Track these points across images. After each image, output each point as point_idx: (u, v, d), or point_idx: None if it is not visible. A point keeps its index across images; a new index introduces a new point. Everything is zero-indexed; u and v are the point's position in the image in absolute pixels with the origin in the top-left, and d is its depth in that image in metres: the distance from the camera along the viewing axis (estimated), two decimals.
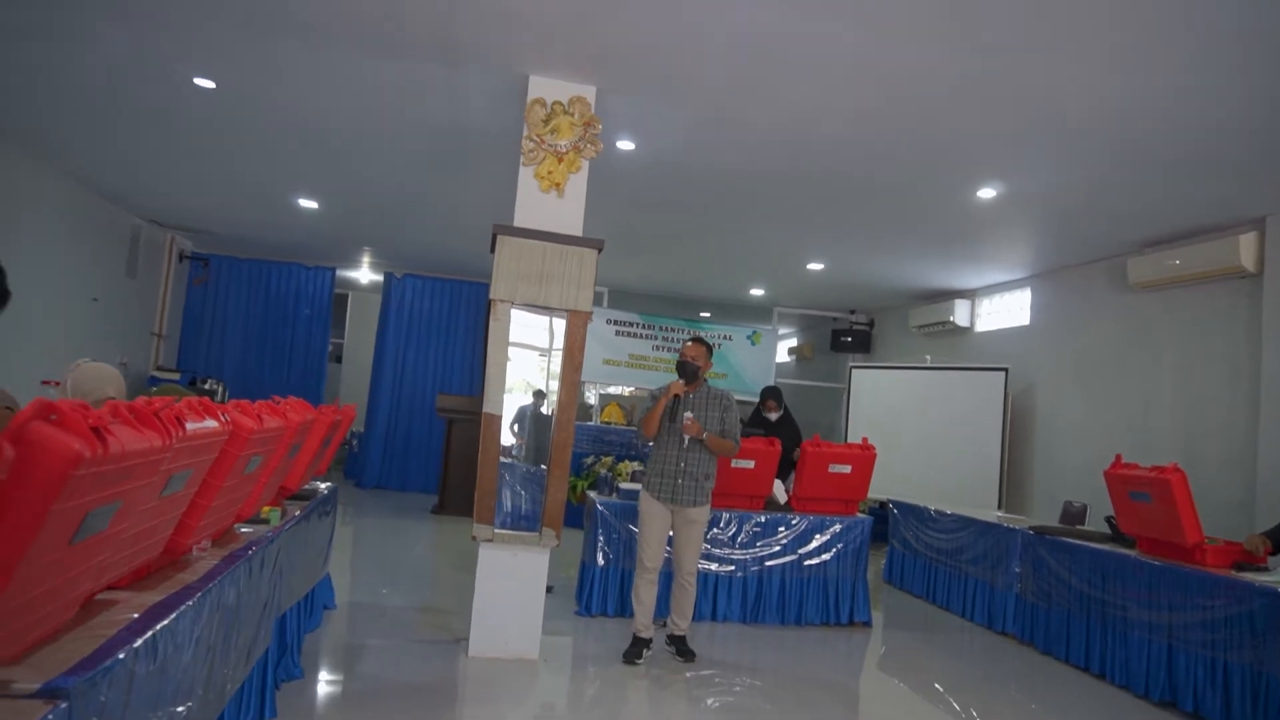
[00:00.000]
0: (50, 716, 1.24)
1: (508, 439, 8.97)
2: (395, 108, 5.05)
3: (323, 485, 4.42)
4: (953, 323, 9.22)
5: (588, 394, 11.35)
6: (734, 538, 5.46)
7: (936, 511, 6.65)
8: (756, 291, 10.67)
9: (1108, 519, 5.17)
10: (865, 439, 5.81)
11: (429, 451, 10.69)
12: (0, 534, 1.08)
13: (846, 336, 11.18)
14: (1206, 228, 6.06)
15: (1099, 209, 5.90)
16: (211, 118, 5.53)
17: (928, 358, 9.63)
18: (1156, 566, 4.47)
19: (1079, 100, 4.13)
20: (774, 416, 6.71)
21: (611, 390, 11.38)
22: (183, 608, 1.84)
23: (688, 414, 4.37)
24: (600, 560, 5.26)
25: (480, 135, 5.34)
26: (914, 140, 4.88)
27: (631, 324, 10.49)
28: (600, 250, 4.33)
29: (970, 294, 9.29)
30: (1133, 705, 4.38)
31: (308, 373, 10.94)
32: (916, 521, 6.89)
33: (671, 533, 4.52)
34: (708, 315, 11.72)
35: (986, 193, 5.68)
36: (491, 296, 4.22)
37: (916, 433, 8.88)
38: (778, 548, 5.53)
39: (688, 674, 4.31)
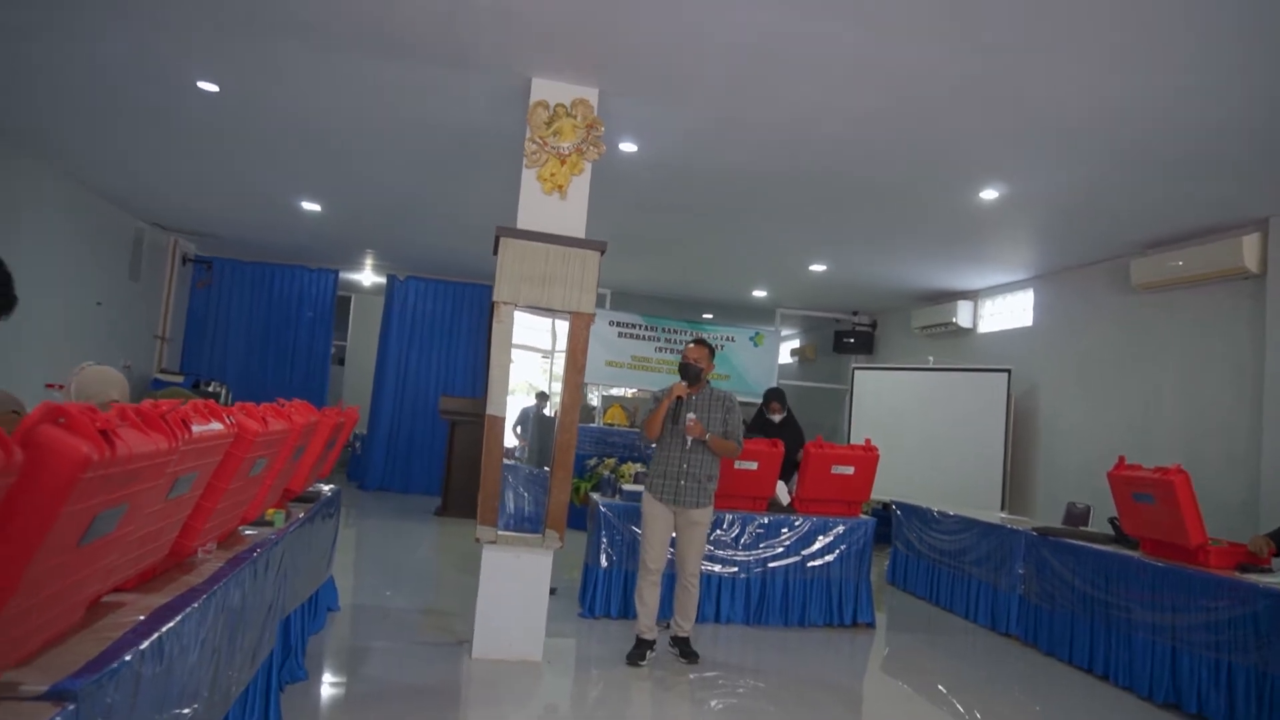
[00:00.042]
0: (58, 718, 1.24)
1: (511, 441, 8.99)
2: (398, 110, 5.07)
3: (326, 487, 4.43)
4: (955, 324, 9.22)
5: (590, 396, 11.36)
6: (737, 539, 5.47)
7: (939, 513, 6.64)
8: (759, 293, 10.67)
9: (1111, 520, 5.16)
10: (868, 440, 5.82)
11: (432, 453, 10.70)
12: (9, 536, 1.09)
13: (849, 338, 11.18)
14: (1209, 229, 6.05)
15: (1101, 210, 5.90)
16: (214, 120, 5.55)
17: (930, 359, 9.62)
18: (1160, 568, 4.47)
19: (1080, 100, 4.13)
20: (778, 418, 6.71)
21: (614, 392, 11.38)
22: (188, 610, 1.84)
23: (690, 415, 4.37)
24: (603, 562, 5.26)
25: (483, 137, 5.35)
26: (915, 141, 4.88)
27: (634, 325, 10.50)
28: (603, 252, 4.34)
29: (973, 295, 9.29)
30: (1136, 707, 4.37)
31: (311, 375, 10.96)
32: (919, 523, 6.89)
33: (674, 534, 4.52)
34: (710, 317, 11.73)
35: (989, 194, 5.68)
36: (495, 298, 4.23)
37: (919, 434, 8.87)
38: (781, 549, 5.53)
39: (691, 675, 4.31)
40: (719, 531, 5.41)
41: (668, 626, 4.65)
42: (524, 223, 4.32)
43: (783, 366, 11.85)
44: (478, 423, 7.87)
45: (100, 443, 1.20)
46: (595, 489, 6.35)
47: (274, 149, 6.14)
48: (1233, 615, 4.00)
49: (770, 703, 4.02)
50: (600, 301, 10.51)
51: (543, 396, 10.02)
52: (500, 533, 4.24)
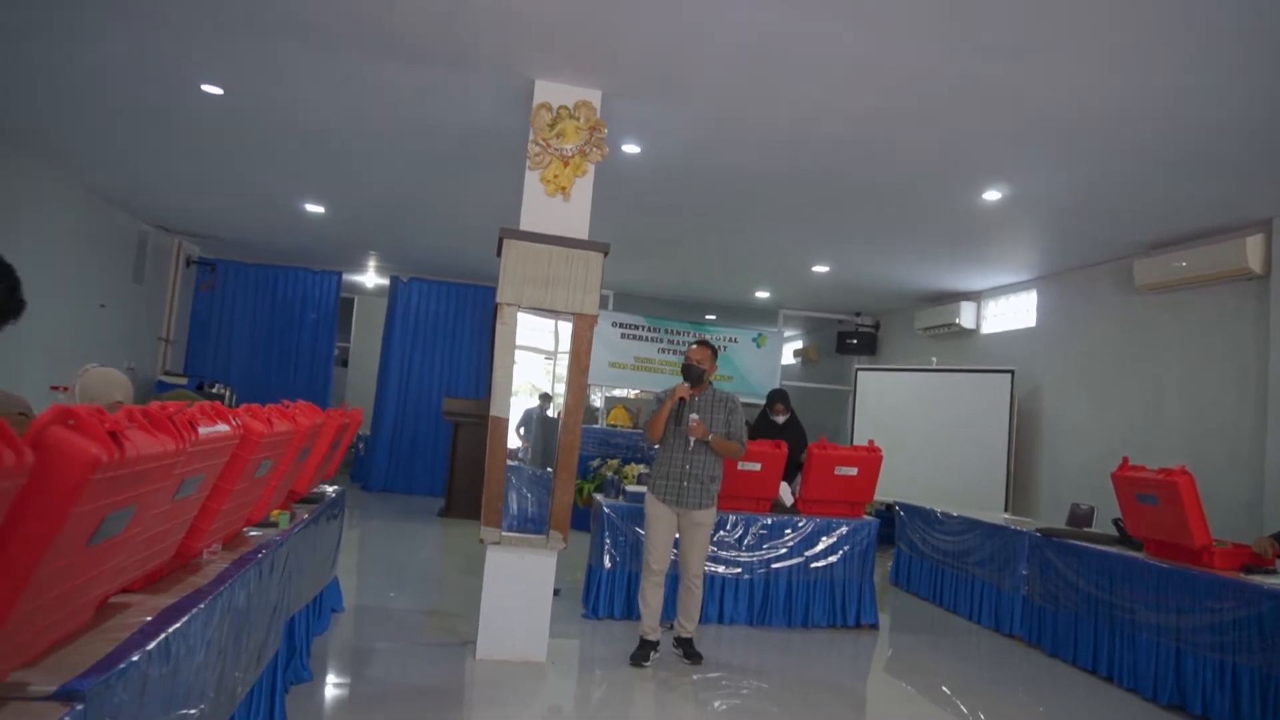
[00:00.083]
0: (67, 718, 1.25)
1: (514, 442, 8.99)
2: (401, 112, 5.08)
3: (330, 489, 4.44)
4: (958, 325, 9.21)
5: (593, 397, 11.37)
6: (740, 540, 5.47)
7: (943, 514, 6.64)
8: (762, 294, 10.68)
9: (1115, 521, 5.16)
10: (871, 441, 5.82)
11: (435, 454, 10.72)
12: (19, 537, 1.10)
13: (852, 339, 11.18)
14: (1212, 230, 6.05)
15: (1103, 211, 5.90)
16: (218, 123, 5.57)
17: (933, 360, 9.62)
18: (1164, 569, 4.46)
19: (1080, 101, 4.14)
20: (781, 419, 6.72)
21: (617, 393, 11.39)
22: (195, 610, 1.85)
23: (693, 416, 4.38)
24: (607, 563, 5.26)
25: (486, 139, 5.36)
26: (916, 141, 4.89)
27: (637, 327, 10.51)
28: (606, 253, 4.35)
29: (976, 296, 9.28)
30: (1141, 708, 4.36)
31: (314, 377, 10.98)
32: (923, 524, 6.88)
33: (678, 535, 4.53)
34: (713, 318, 11.73)
35: (991, 194, 5.68)
36: (498, 300, 4.24)
37: (923, 435, 8.87)
38: (784, 550, 5.53)
39: (695, 676, 4.32)
40: (722, 532, 5.41)
41: (671, 627, 4.66)
42: (527, 224, 4.33)
43: (786, 367, 11.86)
44: (481, 424, 7.89)
45: (109, 444, 1.20)
46: (598, 490, 6.35)
47: (278, 151, 6.15)
48: (1237, 616, 3.99)
49: (774, 704, 4.02)
50: (603, 303, 10.52)
51: (546, 398, 10.03)
52: (504, 534, 4.25)
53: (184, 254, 10.12)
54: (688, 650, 4.51)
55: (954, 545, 6.42)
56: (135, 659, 1.50)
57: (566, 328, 4.45)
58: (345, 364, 13.00)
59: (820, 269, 8.72)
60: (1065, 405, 7.83)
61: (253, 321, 10.84)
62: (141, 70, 4.77)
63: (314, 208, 7.82)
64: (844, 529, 5.63)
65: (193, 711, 1.86)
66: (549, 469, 4.55)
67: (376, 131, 5.51)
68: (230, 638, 2.17)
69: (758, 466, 5.38)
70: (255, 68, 4.61)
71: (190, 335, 10.59)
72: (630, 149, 5.36)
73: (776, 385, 10.00)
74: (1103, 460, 6.31)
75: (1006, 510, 7.90)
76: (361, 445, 11.41)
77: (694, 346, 4.56)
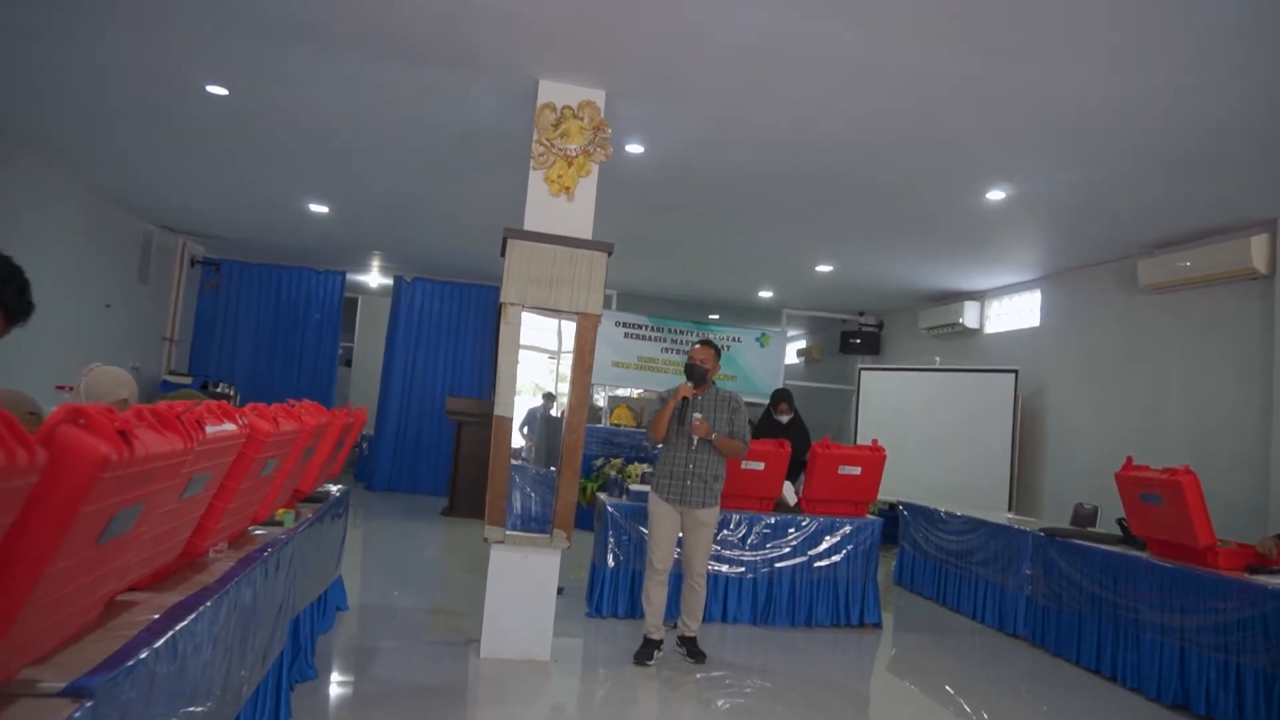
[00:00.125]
0: (77, 714, 1.26)
1: (517, 441, 9.01)
2: (405, 112, 5.09)
3: (334, 488, 4.45)
4: (962, 324, 9.21)
5: (597, 396, 11.37)
6: (744, 539, 5.47)
7: (946, 513, 6.64)
8: (765, 293, 10.68)
9: (1119, 521, 5.15)
10: (875, 441, 5.82)
11: (438, 454, 10.73)
12: (30, 534, 1.11)
13: (855, 338, 11.18)
14: (1216, 229, 6.04)
15: (1106, 211, 5.90)
16: (223, 123, 5.58)
17: (937, 359, 9.61)
18: (1168, 569, 4.46)
19: (1082, 100, 4.13)
20: (785, 419, 6.72)
21: (620, 392, 11.40)
22: (201, 609, 1.86)
23: (696, 415, 4.38)
24: (610, 562, 5.27)
25: (490, 140, 5.37)
26: (919, 141, 4.89)
27: (640, 326, 10.51)
28: (610, 253, 4.35)
29: (980, 296, 9.28)
30: (1144, 708, 4.36)
31: (318, 376, 11.00)
32: (926, 523, 6.88)
33: (681, 534, 4.53)
34: (716, 317, 11.73)
35: (995, 194, 5.68)
36: (502, 300, 4.25)
37: (926, 434, 8.86)
38: (788, 549, 5.54)
39: (698, 675, 4.32)
40: (726, 531, 5.41)
41: (675, 626, 4.66)
42: (531, 224, 4.34)
43: (789, 367, 11.85)
44: (484, 423, 7.91)
45: (119, 443, 1.21)
46: (602, 489, 6.36)
47: (282, 151, 6.17)
48: (1241, 616, 3.99)
49: (777, 703, 4.03)
50: (607, 302, 10.46)
51: (549, 397, 10.04)
52: (508, 532, 4.26)
53: (188, 254, 10.15)
54: (691, 649, 4.51)
55: (957, 545, 6.41)
56: (143, 656, 1.51)
57: (570, 327, 4.46)
58: (349, 364, 13.03)
59: (823, 268, 8.72)
60: (1069, 405, 7.82)
61: (257, 321, 10.86)
62: (146, 71, 4.78)
63: (318, 208, 7.84)
64: (847, 528, 5.64)
65: (199, 709, 1.87)
66: (552, 468, 4.56)
67: (380, 132, 5.52)
68: (236, 636, 2.19)
69: (761, 466, 5.39)
70: (260, 69, 4.62)
71: (195, 335, 10.61)
72: (634, 149, 5.37)
73: (780, 385, 9.99)
74: (1106, 460, 6.30)
75: (1010, 510, 7.90)
76: (365, 445, 11.43)
77: (697, 346, 4.56)
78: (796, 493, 5.85)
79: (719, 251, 8.46)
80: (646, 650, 4.40)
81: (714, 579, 5.35)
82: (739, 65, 4.09)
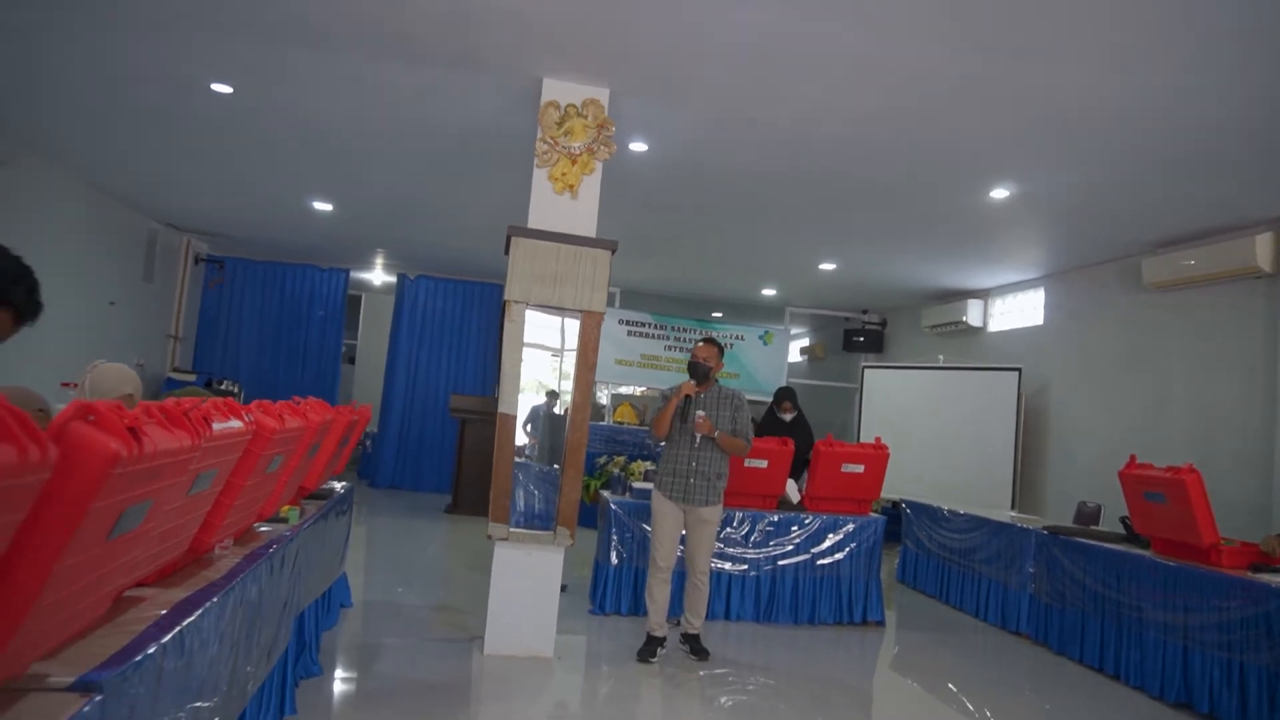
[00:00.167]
0: (86, 709, 1.27)
1: (521, 439, 9.00)
2: (409, 111, 5.10)
3: (339, 485, 4.47)
4: (965, 323, 9.20)
5: (600, 394, 11.38)
6: (747, 537, 5.48)
7: (950, 511, 6.64)
8: (768, 291, 10.67)
9: (1122, 519, 5.15)
10: (878, 439, 5.82)
11: (442, 451, 10.75)
12: (41, 530, 1.12)
13: (859, 336, 11.17)
14: (1221, 228, 6.03)
15: (1109, 210, 5.89)
16: (227, 122, 5.59)
17: (940, 358, 9.61)
18: (1171, 567, 4.46)
19: (1083, 101, 4.13)
20: (788, 417, 6.72)
21: (624, 390, 11.40)
22: (208, 605, 1.87)
23: (699, 412, 4.39)
24: (614, 559, 5.28)
25: (494, 138, 5.38)
26: (922, 142, 4.89)
27: (643, 324, 10.51)
28: (614, 251, 4.36)
29: (983, 294, 9.27)
30: (1148, 706, 4.36)
31: (322, 374, 11.02)
32: (929, 521, 6.89)
33: (684, 532, 4.54)
34: (719, 315, 11.73)
35: (999, 193, 5.68)
36: (506, 298, 4.26)
37: (929, 432, 8.86)
38: (791, 547, 5.54)
39: (701, 672, 4.33)
40: (729, 529, 5.42)
41: (678, 624, 4.67)
42: (535, 222, 4.35)
43: (792, 365, 11.85)
44: (488, 421, 7.92)
45: (129, 439, 1.22)
46: (605, 487, 6.37)
47: (285, 150, 6.18)
48: (1245, 615, 3.99)
49: (780, 700, 4.04)
50: (610, 300, 10.52)
51: (553, 395, 10.03)
52: (512, 530, 4.27)
53: (193, 252, 10.17)
54: (695, 646, 4.52)
55: (960, 543, 6.42)
56: (151, 652, 1.52)
57: (572, 325, 4.46)
58: (353, 361, 13.05)
59: (827, 267, 8.71)
60: (1072, 403, 7.82)
61: (261, 319, 10.88)
62: (150, 70, 4.79)
63: (322, 206, 7.85)
64: (850, 526, 5.64)
65: (206, 704, 1.88)
66: (556, 466, 4.57)
67: (384, 130, 5.53)
68: (242, 632, 2.20)
69: (764, 464, 5.39)
70: (263, 68, 4.63)
71: (199, 332, 10.64)
72: (637, 147, 5.37)
73: (783, 383, 10.01)
74: (1110, 458, 6.30)
75: (1013, 508, 7.90)
76: (369, 442, 11.45)
77: (700, 344, 4.57)
78: (800, 491, 5.86)
79: (722, 249, 8.46)
80: (650, 647, 4.41)
81: (717, 576, 5.36)
82: (742, 64, 4.09)
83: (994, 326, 9.17)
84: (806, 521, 5.58)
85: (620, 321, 10.36)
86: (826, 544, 5.60)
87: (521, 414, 4.49)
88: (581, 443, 4.35)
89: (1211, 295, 6.30)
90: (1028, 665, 5.06)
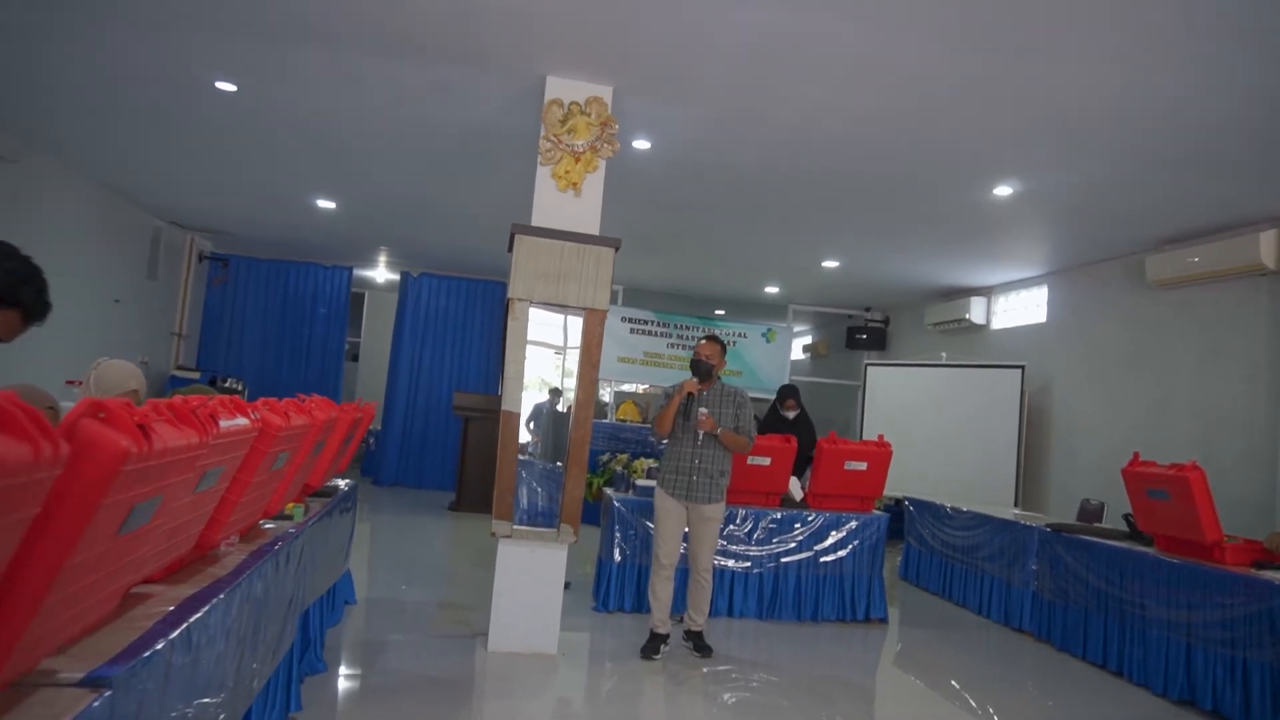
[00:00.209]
0: (96, 704, 1.28)
1: (524, 436, 9.02)
2: (413, 109, 5.10)
3: (342, 482, 4.48)
4: (969, 320, 9.19)
5: (603, 392, 11.39)
6: (750, 534, 5.49)
7: (953, 509, 6.64)
8: (771, 289, 10.67)
9: (1125, 517, 5.15)
10: (881, 436, 5.82)
11: (445, 449, 10.77)
12: (52, 527, 1.12)
13: (862, 334, 11.16)
14: (1225, 225, 6.02)
15: (1107, 210, 5.91)
16: (230, 120, 5.60)
17: (943, 355, 9.60)
18: (1175, 564, 4.46)
19: (1087, 100, 4.13)
20: (791, 415, 6.73)
21: (626, 388, 11.41)
22: (215, 601, 1.88)
23: (702, 409, 4.39)
24: (617, 556, 5.29)
25: (498, 136, 5.38)
26: (924, 140, 4.89)
27: (646, 322, 10.52)
28: (617, 249, 4.36)
29: (986, 291, 9.26)
30: (1151, 703, 4.37)
31: (325, 371, 11.04)
32: (932, 518, 6.89)
33: (687, 529, 4.55)
34: (722, 313, 11.73)
35: (1002, 190, 5.67)
36: (510, 295, 4.27)
37: (932, 430, 8.86)
38: (794, 544, 5.55)
39: (704, 669, 4.34)
40: (732, 526, 5.43)
41: (681, 621, 4.68)
42: (539, 220, 4.35)
43: (795, 363, 11.85)
44: (491, 418, 7.93)
45: (139, 436, 1.23)
46: (608, 484, 6.38)
47: (289, 148, 6.19)
48: (1248, 612, 3.99)
49: (783, 697, 4.05)
50: (613, 298, 10.52)
51: (556, 392, 10.05)
52: (516, 527, 4.28)
53: (196, 250, 10.19)
54: (698, 643, 4.53)
55: (964, 540, 6.42)
56: (159, 648, 1.53)
57: (575, 322, 4.47)
58: (356, 359, 13.06)
59: (830, 264, 8.71)
60: (1076, 401, 7.81)
61: (264, 316, 10.90)
62: (153, 69, 4.80)
63: (325, 204, 7.86)
64: (853, 524, 5.65)
65: (212, 700, 1.89)
66: (559, 463, 4.58)
67: (388, 128, 5.53)
68: (248, 628, 2.21)
69: (767, 461, 5.40)
70: (267, 66, 4.63)
71: (203, 330, 10.66)
72: (641, 145, 5.37)
73: (786, 380, 10.00)
74: (1113, 455, 6.30)
75: (1016, 505, 7.90)
76: (372, 440, 11.47)
77: (703, 342, 4.57)
78: (803, 488, 5.86)
79: (725, 247, 8.46)
80: (653, 644, 4.42)
81: (720, 574, 5.37)
82: (744, 63, 4.10)
83: (997, 324, 9.17)
84: (809, 519, 5.59)
85: (623, 319, 10.36)
86: (829, 541, 5.61)
87: (525, 412, 4.50)
88: (585, 440, 4.36)
89: (1216, 292, 6.30)
90: (1030, 662, 5.07)
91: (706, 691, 4.06)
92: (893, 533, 6.45)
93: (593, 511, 6.98)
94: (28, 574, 1.13)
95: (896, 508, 7.85)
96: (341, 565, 4.43)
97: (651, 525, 4.79)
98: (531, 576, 4.28)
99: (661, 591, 4.46)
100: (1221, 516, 4.34)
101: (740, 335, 10.63)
